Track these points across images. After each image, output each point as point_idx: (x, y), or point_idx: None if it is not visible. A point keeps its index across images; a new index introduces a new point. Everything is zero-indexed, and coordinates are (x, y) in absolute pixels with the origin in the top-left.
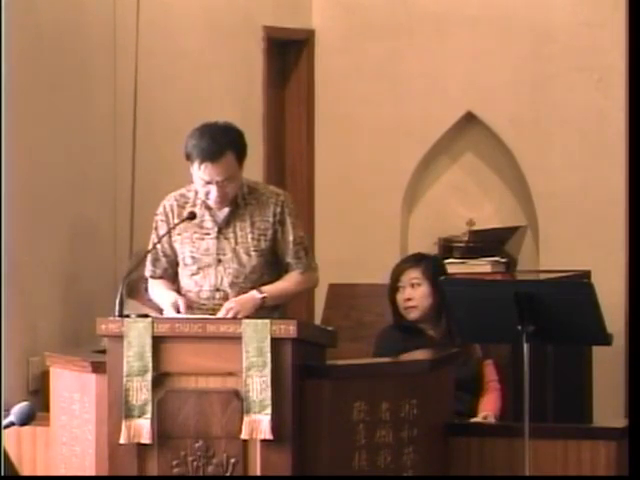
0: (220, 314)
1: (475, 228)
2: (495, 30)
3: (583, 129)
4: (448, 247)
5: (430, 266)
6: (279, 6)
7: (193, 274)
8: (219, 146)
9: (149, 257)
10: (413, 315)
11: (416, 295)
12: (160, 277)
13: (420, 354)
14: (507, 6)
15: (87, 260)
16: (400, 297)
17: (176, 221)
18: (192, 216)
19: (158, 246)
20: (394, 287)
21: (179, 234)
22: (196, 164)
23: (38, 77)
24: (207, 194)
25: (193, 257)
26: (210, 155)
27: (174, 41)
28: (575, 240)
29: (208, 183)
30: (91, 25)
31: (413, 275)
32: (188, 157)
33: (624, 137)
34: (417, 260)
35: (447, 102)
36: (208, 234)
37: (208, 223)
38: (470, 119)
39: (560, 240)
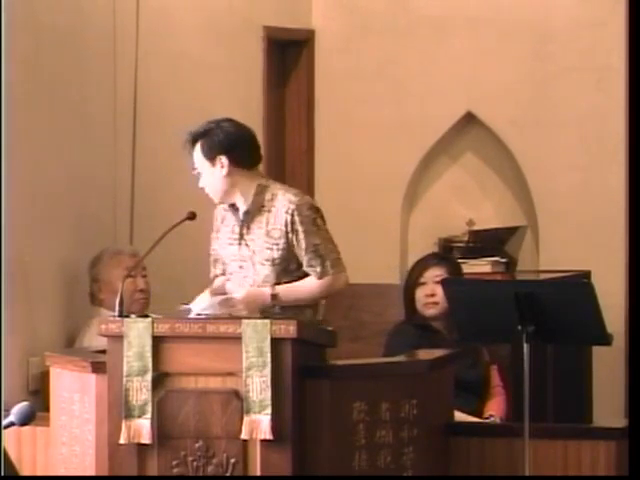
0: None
1: (475, 228)
2: (495, 30)
3: (583, 129)
4: (448, 247)
5: (454, 267)
6: (279, 6)
7: (228, 280)
8: (191, 136)
9: (211, 259)
10: (433, 311)
11: (439, 292)
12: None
13: (437, 353)
14: (507, 6)
15: (87, 261)
16: (422, 292)
17: (219, 225)
18: (192, 216)
19: (216, 247)
20: (416, 282)
21: (219, 238)
22: None
23: (39, 79)
24: None
25: (224, 262)
26: (183, 143)
27: (174, 42)
28: (575, 240)
29: None
30: (91, 28)
31: (438, 272)
32: None
33: (624, 137)
34: (441, 259)
35: (447, 102)
36: (236, 239)
37: (236, 228)
38: (470, 119)
39: (560, 240)
